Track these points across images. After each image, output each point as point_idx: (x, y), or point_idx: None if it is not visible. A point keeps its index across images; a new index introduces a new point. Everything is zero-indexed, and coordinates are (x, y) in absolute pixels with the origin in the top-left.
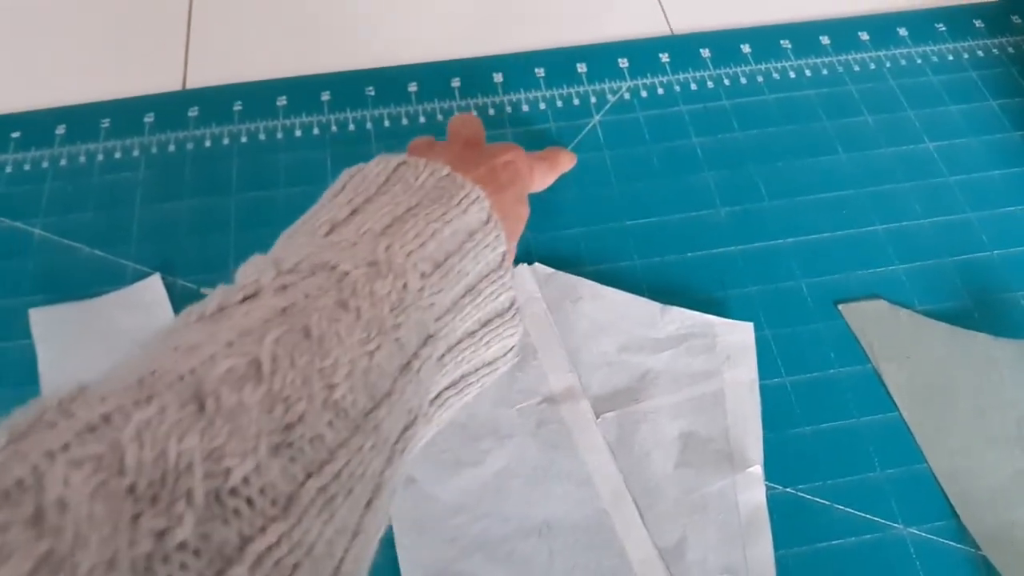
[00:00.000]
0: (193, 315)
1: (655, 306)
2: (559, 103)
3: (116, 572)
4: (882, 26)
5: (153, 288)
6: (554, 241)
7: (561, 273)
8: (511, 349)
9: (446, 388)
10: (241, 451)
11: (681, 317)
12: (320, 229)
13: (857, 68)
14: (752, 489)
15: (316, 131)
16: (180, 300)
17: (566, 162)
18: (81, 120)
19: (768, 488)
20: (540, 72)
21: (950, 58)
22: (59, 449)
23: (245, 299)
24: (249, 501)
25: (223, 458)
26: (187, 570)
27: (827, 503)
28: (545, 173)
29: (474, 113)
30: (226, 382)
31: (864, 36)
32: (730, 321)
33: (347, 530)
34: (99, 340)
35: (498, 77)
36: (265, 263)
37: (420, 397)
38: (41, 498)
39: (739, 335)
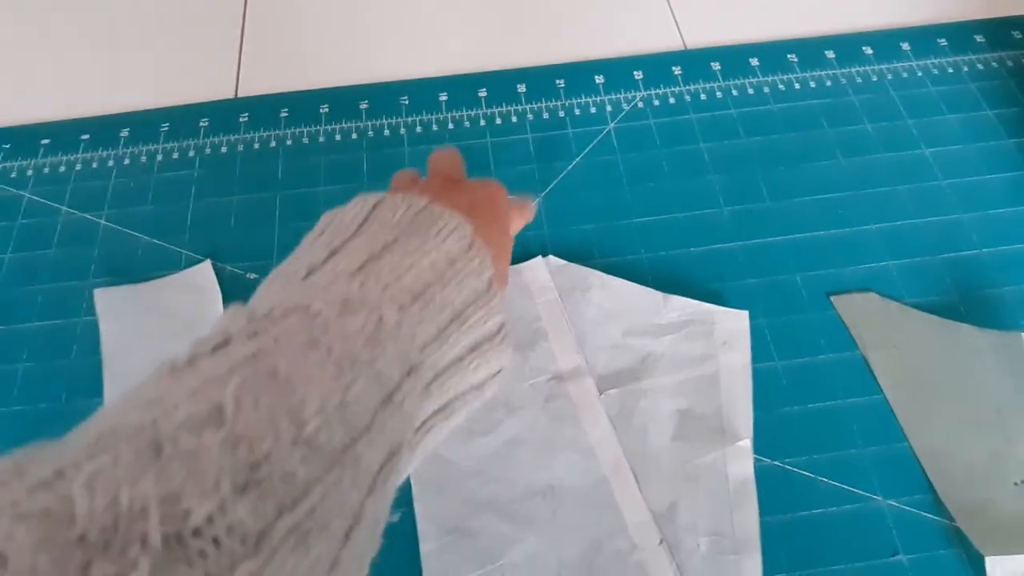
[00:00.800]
0: (165, 368)
1: (658, 295)
2: (577, 111)
3: None
4: (885, 41)
5: (204, 273)
6: (568, 236)
7: (572, 264)
8: (498, 372)
9: (432, 415)
10: (201, 491)
11: (682, 305)
12: (297, 274)
13: (859, 80)
14: (741, 461)
15: (354, 136)
16: (228, 283)
17: (529, 212)
18: (143, 124)
19: (756, 460)
20: (560, 83)
21: (950, 71)
22: (8, 506)
23: (215, 348)
24: (215, 541)
25: (180, 500)
26: None
27: (811, 475)
28: (516, 219)
29: (455, 149)
30: (184, 427)
31: (868, 50)
32: (727, 309)
33: (323, 562)
34: (155, 317)
35: (521, 88)
36: (239, 312)
37: (404, 427)
38: None
39: (735, 322)
